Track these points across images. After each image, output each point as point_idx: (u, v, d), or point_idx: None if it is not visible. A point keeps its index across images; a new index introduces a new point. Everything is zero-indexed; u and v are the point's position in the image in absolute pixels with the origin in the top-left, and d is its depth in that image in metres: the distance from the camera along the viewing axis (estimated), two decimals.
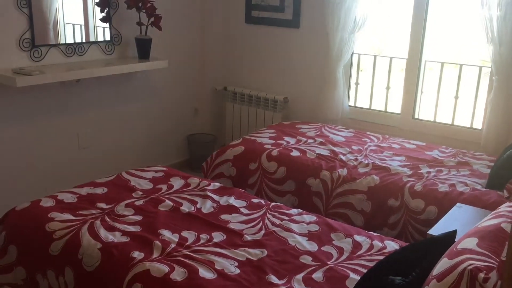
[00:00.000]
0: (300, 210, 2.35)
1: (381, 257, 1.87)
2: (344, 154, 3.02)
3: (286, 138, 3.28)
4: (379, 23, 3.91)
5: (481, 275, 1.22)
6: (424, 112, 3.62)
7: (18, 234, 2.11)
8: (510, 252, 0.64)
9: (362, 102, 3.89)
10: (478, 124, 3.36)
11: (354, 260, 1.91)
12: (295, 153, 3.02)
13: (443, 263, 1.37)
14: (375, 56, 3.85)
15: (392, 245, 2.03)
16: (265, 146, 3.11)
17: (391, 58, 3.73)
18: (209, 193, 2.45)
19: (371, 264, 1.84)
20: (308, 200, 2.83)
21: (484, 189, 2.52)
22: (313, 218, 2.26)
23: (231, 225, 2.14)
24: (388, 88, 3.72)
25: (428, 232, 1.98)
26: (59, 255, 1.94)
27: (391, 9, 3.77)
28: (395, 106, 3.71)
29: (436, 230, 1.98)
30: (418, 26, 3.41)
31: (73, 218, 2.11)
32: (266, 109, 4.07)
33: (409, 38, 3.46)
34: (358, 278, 1.71)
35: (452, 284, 1.26)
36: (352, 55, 3.73)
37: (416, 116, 3.57)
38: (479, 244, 1.37)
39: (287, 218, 2.24)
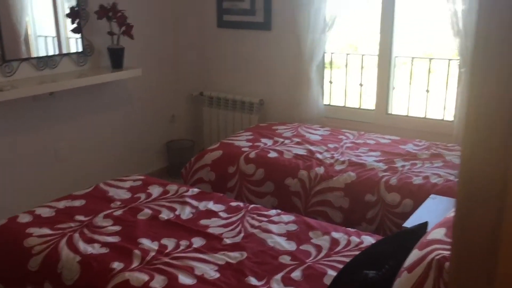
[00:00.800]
0: (279, 211, 2.38)
1: (358, 252, 1.90)
2: (320, 153, 3.06)
3: (263, 140, 3.31)
4: (354, 22, 3.97)
5: (448, 264, 1.26)
6: (398, 106, 3.68)
7: None
8: (455, 239, 0.68)
9: (338, 100, 3.94)
10: (450, 116, 3.44)
11: (332, 256, 1.95)
12: (272, 154, 3.05)
13: (413, 255, 1.41)
14: (347, 55, 3.90)
15: (368, 240, 2.07)
16: (243, 149, 3.13)
17: (362, 56, 3.79)
18: (187, 199, 2.47)
19: (348, 260, 1.87)
20: (288, 200, 2.86)
21: (457, 180, 2.58)
22: (291, 217, 2.29)
23: (210, 230, 2.16)
24: (361, 85, 3.78)
25: (403, 225, 2.03)
26: (38, 271, 1.93)
27: (362, 8, 3.83)
28: (371, 103, 3.76)
29: (411, 222, 2.02)
30: (387, 23, 3.47)
31: (51, 232, 2.10)
32: (243, 112, 4.09)
33: (379, 35, 3.52)
34: (335, 274, 1.75)
35: (421, 275, 1.30)
36: (324, 54, 3.78)
37: (390, 112, 3.63)
38: (447, 233, 1.41)
39: (265, 219, 2.27)
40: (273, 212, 2.36)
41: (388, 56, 3.51)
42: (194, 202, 2.44)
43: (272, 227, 2.19)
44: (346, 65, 3.86)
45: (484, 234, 0.63)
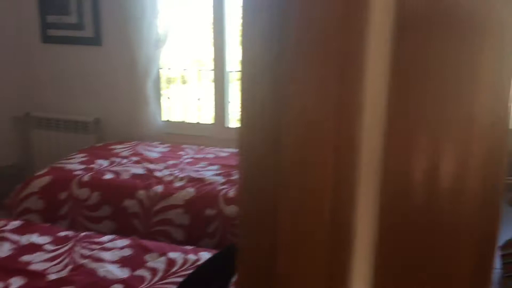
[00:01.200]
0: (113, 236, 2.24)
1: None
2: (160, 170, 2.98)
3: (99, 161, 3.12)
4: (196, 37, 3.96)
5: None
6: (235, 120, 3.77)
7: None
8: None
9: (178, 115, 3.90)
10: None
11: (168, 278, 1.88)
12: (108, 176, 2.88)
13: None
14: (183, 70, 3.90)
15: (206, 256, 2.04)
16: (75, 173, 2.91)
17: (198, 71, 3.82)
18: (7, 234, 2.19)
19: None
20: (127, 223, 2.71)
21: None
22: (126, 242, 2.16)
23: (32, 267, 1.94)
24: (199, 99, 3.80)
25: None
26: None
27: (195, 23, 3.86)
28: (210, 117, 3.79)
29: None
30: (219, 39, 3.53)
31: None
32: (77, 133, 3.82)
33: (213, 50, 3.57)
34: None
35: None
36: (160, 70, 3.71)
37: (227, 125, 3.70)
38: None
39: (98, 247, 2.11)
40: (106, 238, 2.20)
41: (222, 71, 3.58)
42: (15, 237, 2.17)
43: (105, 255, 2.04)
44: (183, 80, 3.85)
45: (262, 246, 0.61)
